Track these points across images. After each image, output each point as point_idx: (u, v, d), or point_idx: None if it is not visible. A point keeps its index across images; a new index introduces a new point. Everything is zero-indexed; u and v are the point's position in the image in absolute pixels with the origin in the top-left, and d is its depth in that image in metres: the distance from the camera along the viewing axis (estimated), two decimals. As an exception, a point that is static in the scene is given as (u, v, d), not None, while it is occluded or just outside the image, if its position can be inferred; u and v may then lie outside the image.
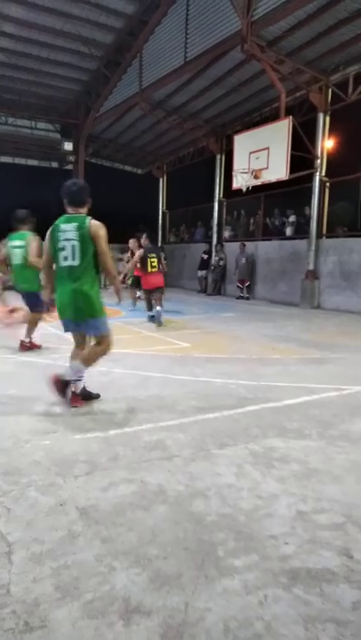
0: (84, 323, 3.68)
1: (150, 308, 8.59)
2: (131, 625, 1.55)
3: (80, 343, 3.88)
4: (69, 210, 3.63)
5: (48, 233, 3.65)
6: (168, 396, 4.10)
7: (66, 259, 3.53)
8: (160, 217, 20.14)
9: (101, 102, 15.92)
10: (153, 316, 8.34)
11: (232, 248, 15.11)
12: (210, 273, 15.72)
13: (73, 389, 3.70)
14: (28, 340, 5.92)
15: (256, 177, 10.86)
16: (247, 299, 13.80)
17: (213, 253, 15.80)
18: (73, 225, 3.51)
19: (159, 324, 8.06)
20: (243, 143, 11.34)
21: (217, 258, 15.46)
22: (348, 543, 2.02)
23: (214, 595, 1.70)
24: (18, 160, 19.12)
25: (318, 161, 11.72)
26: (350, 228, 11.87)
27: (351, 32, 9.96)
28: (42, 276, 3.75)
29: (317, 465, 2.78)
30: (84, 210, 3.64)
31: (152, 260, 8.34)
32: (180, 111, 14.95)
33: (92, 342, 3.85)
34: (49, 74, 15.29)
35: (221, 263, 15.28)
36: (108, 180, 22.36)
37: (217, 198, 16.21)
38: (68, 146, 17.60)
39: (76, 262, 3.51)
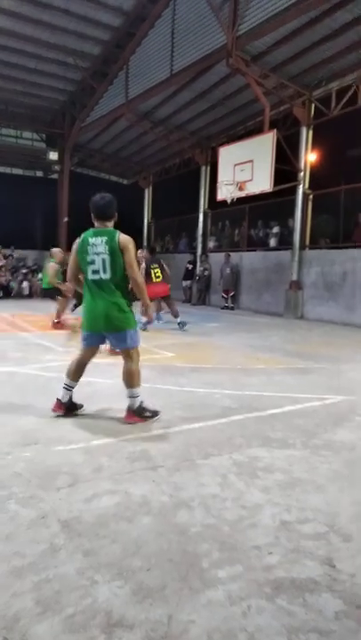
0: (114, 335, 3.66)
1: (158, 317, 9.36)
2: (113, 639, 1.53)
3: (89, 357, 3.84)
4: (96, 223, 3.65)
5: (75, 246, 3.63)
6: (152, 406, 4.07)
7: (95, 272, 3.53)
8: (145, 227, 20.19)
9: (87, 112, 16.00)
10: (181, 323, 8.94)
11: (217, 258, 15.20)
12: (194, 283, 15.78)
13: (59, 397, 3.70)
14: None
15: (241, 189, 10.98)
16: (232, 309, 13.87)
17: (198, 263, 15.88)
18: (102, 239, 3.52)
19: (144, 329, 8.13)
20: (228, 155, 11.48)
21: (202, 268, 15.54)
22: (330, 553, 2.02)
23: (198, 606, 1.68)
24: (2, 169, 19.08)
25: (301, 174, 11.92)
26: (332, 240, 12.06)
27: (333, 49, 10.22)
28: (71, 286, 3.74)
29: (301, 474, 2.79)
30: (110, 223, 3.65)
31: (155, 270, 8.82)
32: (166, 123, 15.09)
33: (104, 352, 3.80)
34: (35, 84, 15.36)
35: (206, 273, 15.36)
36: (93, 189, 22.22)
37: (202, 209, 16.33)
38: (54, 155, 17.61)
39: (107, 276, 3.51)
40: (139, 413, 3.67)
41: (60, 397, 3.72)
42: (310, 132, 11.96)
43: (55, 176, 18.91)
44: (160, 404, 4.07)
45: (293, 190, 12.05)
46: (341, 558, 1.99)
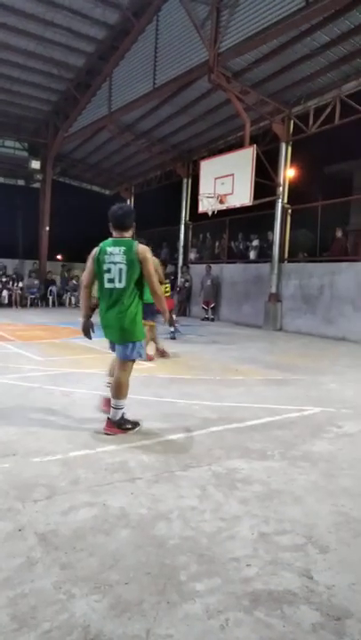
0: (122, 345, 3.65)
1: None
2: (90, 654, 1.51)
3: None
4: (115, 233, 3.66)
5: (93, 255, 3.64)
6: (131, 417, 4.05)
7: (111, 281, 3.55)
8: (127, 238, 20.19)
9: (70, 123, 16.03)
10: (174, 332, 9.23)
11: (197, 270, 15.31)
12: (175, 294, 15.82)
13: (109, 415, 3.69)
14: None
15: (221, 202, 11.11)
16: (212, 320, 13.94)
17: (179, 275, 15.95)
18: (120, 248, 3.53)
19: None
20: (209, 169, 11.62)
21: (183, 279, 15.61)
22: (308, 564, 2.04)
23: (176, 620, 1.67)
24: (-18, 177, 18.94)
25: (280, 188, 12.14)
26: (310, 254, 12.28)
27: (312, 68, 10.50)
28: (81, 297, 3.81)
29: (279, 486, 2.81)
30: (128, 234, 3.66)
31: (166, 286, 8.91)
32: (148, 135, 15.21)
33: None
34: (19, 93, 15.36)
35: (187, 285, 15.44)
36: (75, 199, 22.33)
37: (183, 221, 16.46)
38: (36, 164, 17.56)
39: (122, 285, 3.53)
40: (119, 425, 3.65)
41: (110, 416, 3.69)
42: (289, 148, 12.22)
43: (37, 185, 18.83)
44: (139, 415, 4.05)
45: (273, 204, 12.26)
46: (319, 570, 2.00)
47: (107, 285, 3.57)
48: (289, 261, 12.39)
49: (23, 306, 16.63)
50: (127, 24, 12.57)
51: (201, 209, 11.86)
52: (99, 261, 3.58)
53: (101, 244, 3.64)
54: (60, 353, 7.29)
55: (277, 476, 2.94)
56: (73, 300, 18.24)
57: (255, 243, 14.00)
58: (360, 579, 1.95)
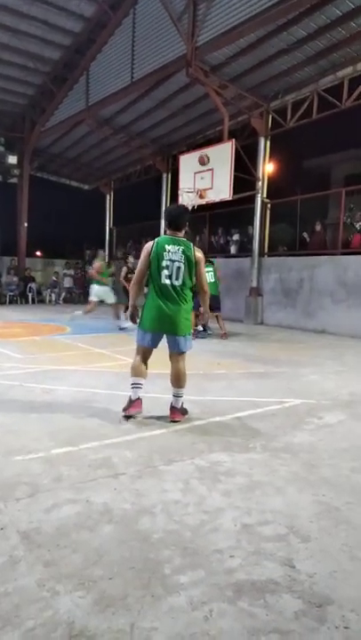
0: (176, 338, 3.91)
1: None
2: (74, 650, 1.51)
3: (147, 358, 4.09)
4: (169, 232, 3.86)
5: (148, 250, 3.77)
6: (114, 412, 4.05)
7: (168, 277, 3.75)
8: (107, 233, 20.08)
9: (47, 117, 15.82)
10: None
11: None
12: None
13: (173, 404, 3.99)
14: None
15: (201, 196, 11.12)
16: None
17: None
18: (179, 247, 3.76)
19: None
20: (188, 163, 11.60)
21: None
22: (290, 554, 2.07)
23: (160, 613, 1.68)
24: None
25: (260, 183, 12.20)
26: (290, 248, 12.38)
27: (289, 62, 10.55)
28: (133, 289, 3.95)
29: (261, 477, 2.84)
30: (181, 233, 3.87)
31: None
32: (126, 129, 15.11)
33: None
34: (-7, 86, 15.06)
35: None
36: (54, 194, 22.07)
37: (164, 216, 16.40)
38: (13, 159, 17.27)
39: (179, 282, 3.77)
40: (183, 412, 3.97)
41: (132, 396, 3.94)
42: (268, 143, 12.28)
43: (14, 180, 18.54)
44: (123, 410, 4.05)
45: (252, 199, 12.31)
46: (301, 559, 2.03)
47: (164, 281, 3.77)
48: (269, 255, 12.48)
49: (2, 303, 16.40)
50: (104, 17, 12.44)
51: (181, 203, 11.84)
52: (157, 257, 3.74)
53: (158, 240, 3.79)
54: (41, 350, 7.22)
55: (259, 468, 2.98)
56: (54, 297, 18.07)
57: (235, 237, 14.06)
58: (341, 566, 1.99)
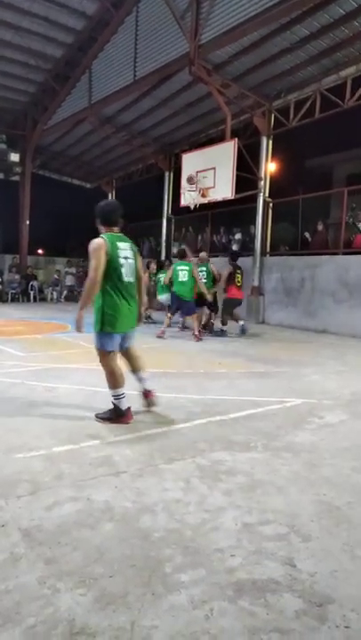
0: (132, 333, 3.97)
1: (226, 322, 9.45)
2: (75, 648, 1.51)
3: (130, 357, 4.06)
4: (103, 229, 3.76)
5: (105, 249, 3.60)
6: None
7: (127, 275, 3.74)
8: (108, 231, 20.07)
9: (50, 115, 15.81)
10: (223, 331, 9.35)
11: (180, 264, 15.27)
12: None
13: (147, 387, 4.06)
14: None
15: (203, 195, 11.11)
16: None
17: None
18: (127, 244, 3.80)
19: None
20: (191, 162, 11.59)
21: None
22: (291, 553, 2.07)
23: (161, 612, 1.68)
24: None
25: (262, 182, 12.18)
26: (291, 247, 12.37)
27: (292, 61, 10.53)
28: (93, 290, 3.63)
29: (262, 477, 2.84)
30: (117, 229, 3.81)
31: (238, 276, 9.34)
32: (129, 128, 15.10)
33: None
34: (-4, 84, 15.06)
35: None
36: (55, 192, 22.07)
37: (165, 214, 16.41)
38: (15, 157, 17.27)
39: (132, 279, 3.81)
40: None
41: (122, 407, 3.78)
42: (270, 142, 12.26)
43: (16, 178, 18.54)
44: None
45: (254, 198, 12.30)
46: (302, 558, 2.03)
47: (125, 279, 3.73)
48: (271, 255, 12.47)
49: (4, 301, 16.41)
50: (106, 15, 12.42)
51: (183, 202, 11.84)
52: (114, 256, 3.65)
53: (108, 238, 3.65)
54: (43, 348, 7.23)
55: (260, 467, 2.98)
56: (55, 295, 18.09)
57: (237, 236, 14.04)
58: (342, 566, 1.99)
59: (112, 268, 3.64)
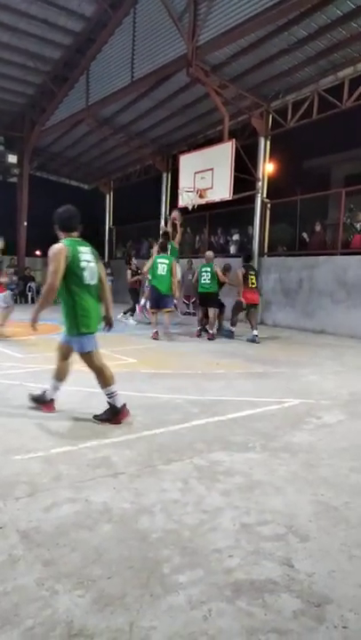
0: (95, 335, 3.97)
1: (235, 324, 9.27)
2: (73, 649, 1.51)
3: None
4: (62, 234, 3.82)
5: (66, 254, 3.64)
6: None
7: (91, 278, 3.80)
8: (107, 233, 20.08)
9: (47, 116, 15.80)
10: (228, 331, 9.19)
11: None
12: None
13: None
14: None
15: (201, 196, 11.11)
16: (193, 314, 13.94)
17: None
18: (88, 249, 3.85)
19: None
20: (188, 163, 11.60)
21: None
22: (289, 553, 2.07)
23: (159, 612, 1.69)
24: None
25: (260, 183, 12.19)
26: (289, 248, 12.38)
27: (289, 62, 10.55)
28: (51, 294, 3.69)
29: (260, 477, 2.85)
30: (76, 234, 3.88)
31: (252, 277, 9.06)
32: (126, 129, 15.10)
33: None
34: (-7, 85, 15.05)
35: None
36: (53, 194, 22.02)
37: (163, 215, 16.40)
38: (12, 158, 17.24)
39: (95, 282, 3.85)
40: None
41: (117, 404, 3.84)
42: (268, 143, 12.28)
43: (14, 180, 18.53)
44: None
45: (252, 199, 12.31)
46: (299, 558, 2.04)
47: (90, 282, 3.78)
48: (269, 255, 12.48)
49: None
50: (104, 16, 12.43)
51: (181, 203, 11.84)
52: (75, 259, 3.69)
53: (68, 244, 3.71)
54: (41, 350, 7.22)
55: (258, 468, 2.98)
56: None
57: (235, 237, 14.05)
58: (340, 566, 1.99)
59: (75, 271, 3.69)
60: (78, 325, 3.72)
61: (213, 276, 9.12)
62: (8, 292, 8.48)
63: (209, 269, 9.20)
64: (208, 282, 9.10)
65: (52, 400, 4.05)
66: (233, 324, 9.24)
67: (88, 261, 3.78)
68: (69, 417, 3.90)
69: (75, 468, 2.88)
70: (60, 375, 4.04)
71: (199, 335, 9.28)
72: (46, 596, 1.75)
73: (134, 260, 11.80)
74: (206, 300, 9.23)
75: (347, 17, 8.99)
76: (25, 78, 14.77)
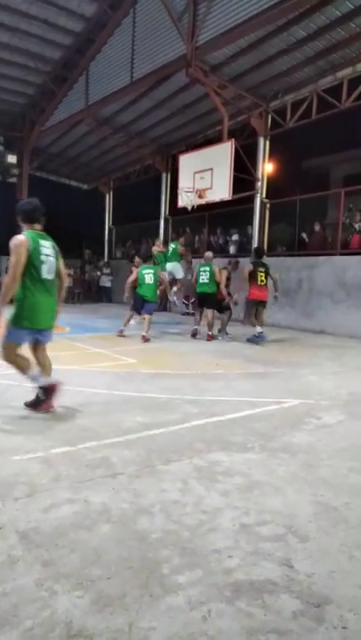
0: (50, 331, 4.01)
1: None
2: (72, 650, 1.51)
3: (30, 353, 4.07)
4: (25, 227, 3.87)
5: (27, 246, 3.69)
6: (113, 412, 4.05)
7: (48, 272, 3.83)
8: (107, 232, 20.08)
9: (47, 116, 15.80)
10: (258, 337, 8.59)
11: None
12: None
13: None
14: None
15: (200, 196, 11.11)
16: (192, 314, 13.93)
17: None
18: (49, 242, 3.88)
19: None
20: (188, 163, 11.60)
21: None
22: (288, 554, 2.07)
23: (158, 613, 1.68)
24: None
25: (259, 183, 12.20)
26: (289, 248, 12.39)
27: (288, 63, 10.57)
28: (12, 286, 3.70)
29: (260, 477, 2.84)
30: (39, 227, 3.92)
31: (261, 274, 8.81)
32: (126, 129, 15.10)
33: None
34: (-7, 86, 15.05)
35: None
36: (53, 194, 22.01)
37: (163, 215, 16.41)
38: (12, 159, 17.23)
39: (52, 277, 3.88)
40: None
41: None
42: (267, 143, 12.30)
43: (14, 180, 18.51)
44: (121, 410, 4.05)
45: (252, 199, 12.32)
46: (299, 559, 2.03)
47: (45, 276, 3.81)
48: (268, 255, 12.45)
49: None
50: (104, 16, 12.43)
51: (180, 203, 11.85)
52: (35, 253, 3.74)
53: (30, 236, 3.76)
54: (40, 350, 7.21)
55: (258, 468, 2.98)
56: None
57: (235, 237, 14.06)
58: (339, 566, 1.99)
59: (33, 264, 3.73)
60: (20, 319, 3.77)
61: (212, 275, 8.95)
62: None
63: (208, 269, 9.05)
64: (206, 281, 8.98)
65: (50, 383, 4.03)
66: (254, 326, 8.77)
67: (48, 255, 3.81)
68: (69, 417, 3.90)
69: (74, 468, 2.88)
70: (25, 367, 3.93)
71: (194, 335, 9.14)
72: (45, 596, 1.74)
73: (137, 259, 11.84)
74: (205, 301, 9.13)
75: (346, 17, 9.01)
76: (25, 78, 14.77)
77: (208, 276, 8.98)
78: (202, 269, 9.13)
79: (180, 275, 10.69)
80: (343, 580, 1.90)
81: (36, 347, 4.04)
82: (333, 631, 1.62)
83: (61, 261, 4.02)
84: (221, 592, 1.80)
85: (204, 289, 9.04)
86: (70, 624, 1.61)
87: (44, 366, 4.06)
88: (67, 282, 4.15)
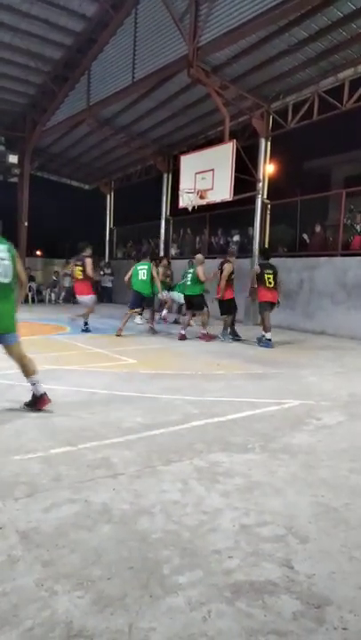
0: (6, 336, 3.91)
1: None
2: (72, 650, 1.51)
3: None
4: None
5: None
6: (113, 412, 4.06)
7: (4, 276, 3.80)
8: (108, 233, 20.09)
9: (48, 116, 15.80)
10: (266, 340, 8.43)
11: (178, 265, 15.26)
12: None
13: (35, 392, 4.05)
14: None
15: (201, 197, 11.11)
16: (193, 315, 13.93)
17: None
18: (4, 246, 3.85)
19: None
20: (189, 164, 11.60)
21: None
22: (288, 554, 2.07)
23: (158, 614, 1.68)
24: None
25: (260, 184, 12.19)
26: (290, 249, 12.38)
27: (290, 64, 10.56)
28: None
29: (260, 478, 2.84)
30: None
31: (268, 276, 8.70)
32: (127, 130, 15.11)
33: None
34: (-6, 86, 15.05)
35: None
36: (54, 194, 22.07)
37: (164, 216, 16.41)
38: (13, 159, 17.23)
39: (7, 280, 3.84)
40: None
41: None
42: (268, 144, 12.29)
43: (15, 180, 18.53)
44: (122, 410, 4.05)
45: (253, 200, 12.31)
46: (299, 560, 2.03)
47: (2, 280, 3.80)
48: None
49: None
50: (105, 16, 12.43)
51: (181, 204, 11.85)
52: None
53: None
54: (40, 350, 7.21)
55: (258, 469, 2.98)
56: (53, 296, 18.11)
57: (236, 238, 14.04)
58: (340, 567, 1.99)
59: None
60: None
61: (194, 277, 9.03)
62: None
63: (191, 271, 9.18)
64: (189, 283, 9.12)
65: (42, 395, 4.05)
66: (268, 329, 8.49)
67: (2, 259, 3.79)
68: (69, 417, 3.90)
69: (74, 468, 2.88)
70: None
71: (182, 338, 8.81)
72: (45, 596, 1.75)
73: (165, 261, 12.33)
74: (191, 304, 9.21)
75: (347, 18, 9.00)
76: (26, 78, 14.77)
77: (190, 278, 9.15)
78: (188, 272, 9.31)
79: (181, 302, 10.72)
80: (343, 581, 1.90)
81: (7, 349, 4.01)
82: (334, 632, 1.62)
83: (19, 264, 3.97)
84: (221, 593, 1.80)
85: (188, 292, 9.18)
86: (70, 624, 1.61)
87: (25, 367, 4.04)
88: (26, 283, 4.09)
